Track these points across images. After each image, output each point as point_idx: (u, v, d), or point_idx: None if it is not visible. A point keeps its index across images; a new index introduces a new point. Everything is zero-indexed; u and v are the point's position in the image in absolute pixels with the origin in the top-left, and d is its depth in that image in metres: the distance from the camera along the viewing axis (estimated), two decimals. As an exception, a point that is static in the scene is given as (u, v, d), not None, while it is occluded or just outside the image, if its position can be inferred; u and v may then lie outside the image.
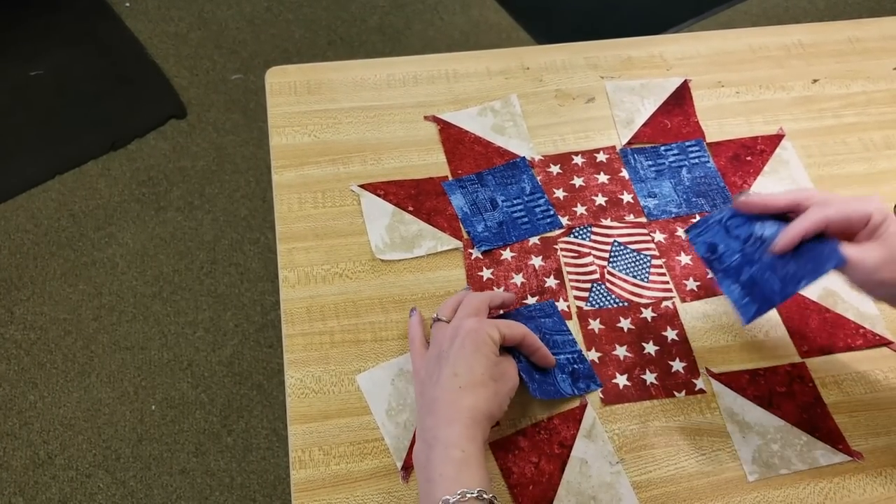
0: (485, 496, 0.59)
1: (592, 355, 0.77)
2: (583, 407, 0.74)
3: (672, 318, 0.79)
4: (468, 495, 0.59)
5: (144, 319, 1.72)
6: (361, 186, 0.86)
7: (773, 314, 0.80)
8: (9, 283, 1.74)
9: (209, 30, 2.22)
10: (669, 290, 0.81)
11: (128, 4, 2.24)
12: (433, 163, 0.89)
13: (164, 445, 1.58)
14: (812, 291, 0.81)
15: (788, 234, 0.63)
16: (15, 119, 1.98)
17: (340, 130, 0.91)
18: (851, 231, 0.64)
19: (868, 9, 2.35)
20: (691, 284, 0.82)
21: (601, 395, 0.75)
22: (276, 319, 1.74)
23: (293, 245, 0.82)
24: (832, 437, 0.73)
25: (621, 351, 0.77)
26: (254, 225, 1.88)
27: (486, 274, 0.81)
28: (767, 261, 0.64)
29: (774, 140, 0.92)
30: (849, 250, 0.62)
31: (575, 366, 0.75)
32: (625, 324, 0.79)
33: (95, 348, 1.68)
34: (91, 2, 2.22)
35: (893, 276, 0.62)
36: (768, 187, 0.89)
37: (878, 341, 0.79)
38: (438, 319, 0.72)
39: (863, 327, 0.80)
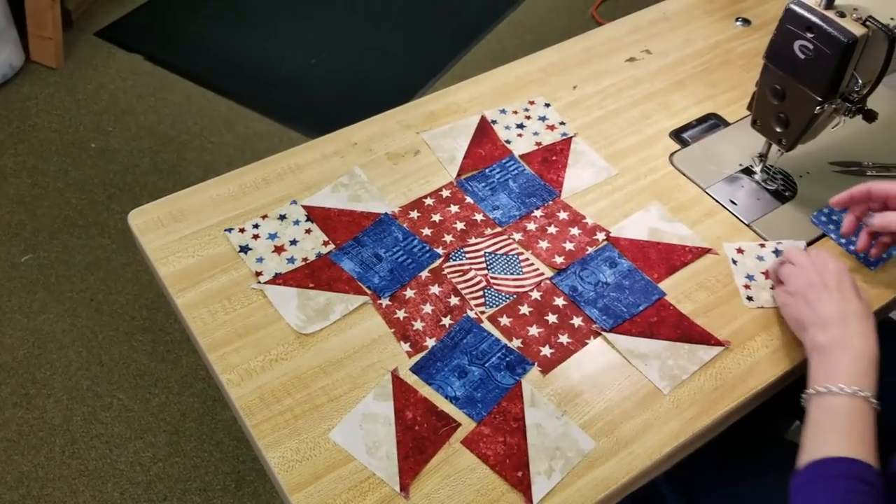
0: (874, 403, 0.79)
1: (516, 343, 0.91)
2: (519, 385, 0.88)
3: (553, 289, 0.96)
4: (860, 394, 0.79)
5: (21, 526, 1.61)
6: (260, 283, 0.95)
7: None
8: None
9: (-22, 222, 2.14)
10: (541, 274, 0.98)
11: None
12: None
13: None
14: (640, 233, 1.03)
15: (841, 196, 0.96)
16: None
17: (219, 243, 0.99)
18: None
19: (565, 32, 2.77)
20: (559, 259, 0.99)
21: (539, 369, 0.89)
22: (161, 473, 1.70)
23: (222, 351, 0.89)
24: (703, 337, 0.93)
25: (534, 330, 0.92)
26: (101, 392, 1.83)
27: (401, 314, 0.93)
28: (613, 295, 0.97)
29: (567, 141, 1.14)
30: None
31: (507, 359, 0.90)
32: (525, 309, 0.94)
33: (-22, 576, 1.54)
34: None
35: None
36: (578, 175, 1.10)
37: (702, 251, 1.02)
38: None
39: (687, 246, 1.02)
